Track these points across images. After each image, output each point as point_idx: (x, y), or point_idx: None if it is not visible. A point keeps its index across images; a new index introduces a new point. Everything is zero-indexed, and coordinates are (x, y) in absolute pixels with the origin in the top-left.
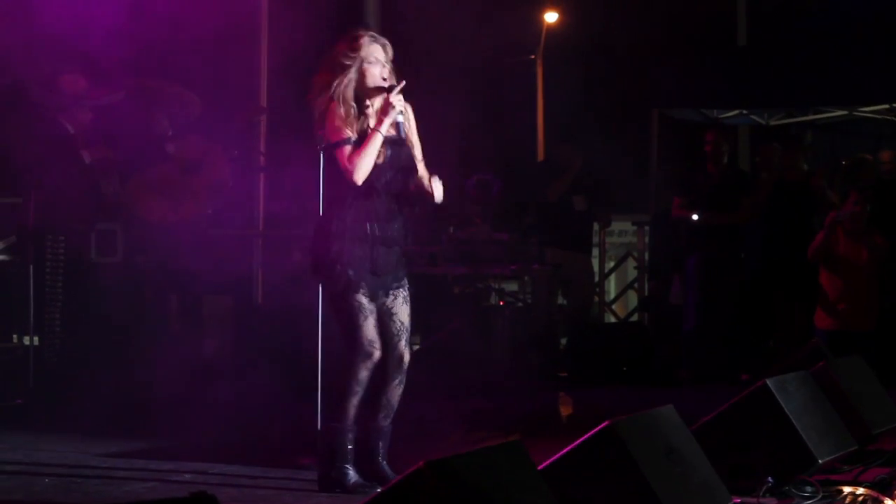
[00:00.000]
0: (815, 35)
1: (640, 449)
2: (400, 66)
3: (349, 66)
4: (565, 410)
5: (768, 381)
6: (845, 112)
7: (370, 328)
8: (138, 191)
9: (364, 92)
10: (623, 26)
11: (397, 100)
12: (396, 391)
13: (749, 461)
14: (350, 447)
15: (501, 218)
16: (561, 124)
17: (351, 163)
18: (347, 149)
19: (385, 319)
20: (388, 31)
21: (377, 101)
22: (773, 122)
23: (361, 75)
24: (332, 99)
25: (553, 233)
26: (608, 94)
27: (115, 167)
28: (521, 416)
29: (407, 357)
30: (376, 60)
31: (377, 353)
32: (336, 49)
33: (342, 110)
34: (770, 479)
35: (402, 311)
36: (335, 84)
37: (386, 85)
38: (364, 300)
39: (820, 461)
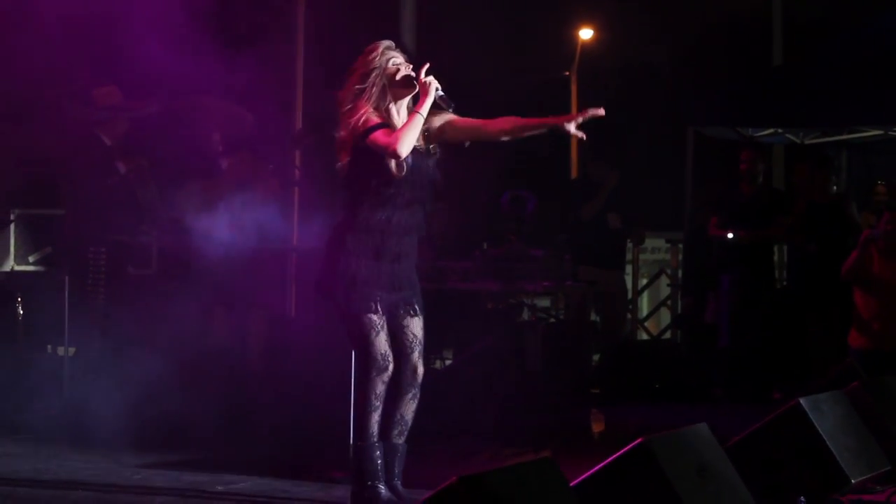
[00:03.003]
0: (850, 54)
1: (672, 467)
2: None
3: (374, 72)
4: (597, 427)
5: (801, 401)
6: (881, 131)
7: (382, 342)
8: (187, 199)
9: (393, 93)
10: (658, 44)
11: (431, 78)
12: (410, 406)
13: (782, 480)
14: (379, 462)
15: (535, 234)
16: (595, 142)
17: (393, 136)
18: (384, 129)
19: (398, 333)
20: (423, 48)
21: (407, 99)
22: (808, 141)
23: (389, 77)
24: (359, 99)
25: (586, 250)
26: (643, 112)
27: (151, 178)
28: (553, 433)
29: (421, 370)
30: (398, 63)
31: (391, 367)
32: (357, 63)
33: (371, 109)
34: (802, 498)
35: (413, 323)
36: (362, 89)
37: (413, 74)
38: (375, 317)
39: (853, 481)
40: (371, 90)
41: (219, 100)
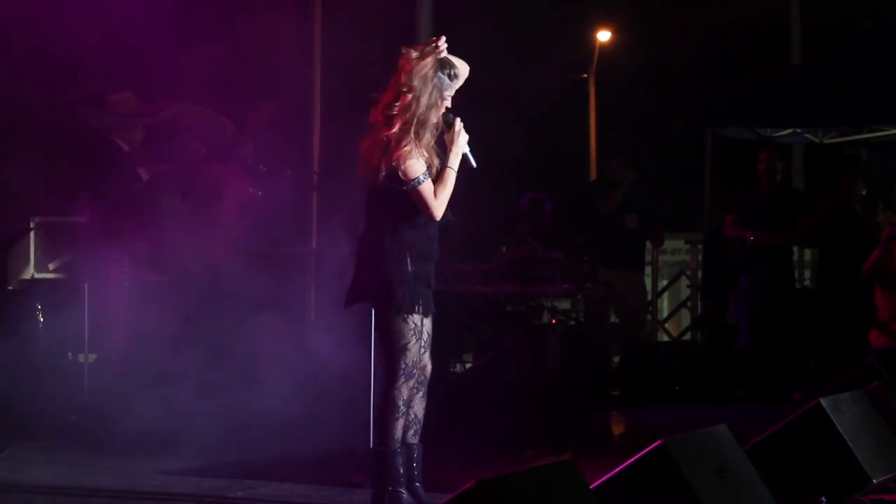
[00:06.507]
0: (868, 52)
1: (692, 468)
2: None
3: (441, 93)
4: (618, 429)
5: (822, 401)
6: None
7: (417, 350)
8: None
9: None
10: (676, 45)
11: (462, 132)
12: (421, 404)
13: (803, 481)
14: (401, 469)
15: (553, 236)
16: (613, 143)
17: (437, 199)
18: (428, 185)
19: None
20: None
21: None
22: (826, 141)
23: (441, 103)
24: (412, 127)
25: (605, 251)
26: (661, 114)
27: (172, 182)
28: (573, 435)
29: (429, 368)
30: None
31: (416, 374)
32: (426, 64)
33: (420, 138)
34: (824, 498)
35: (429, 322)
36: (417, 108)
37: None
38: (418, 320)
39: (874, 481)
40: (427, 112)
41: (200, 107)
